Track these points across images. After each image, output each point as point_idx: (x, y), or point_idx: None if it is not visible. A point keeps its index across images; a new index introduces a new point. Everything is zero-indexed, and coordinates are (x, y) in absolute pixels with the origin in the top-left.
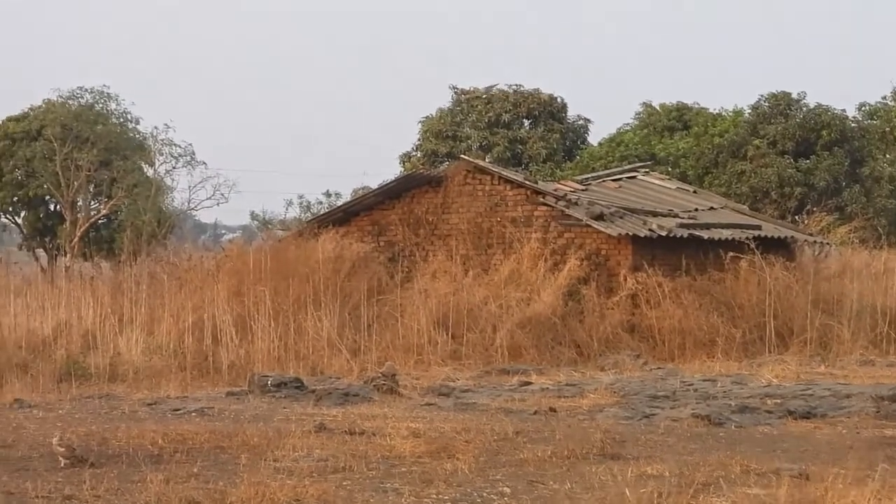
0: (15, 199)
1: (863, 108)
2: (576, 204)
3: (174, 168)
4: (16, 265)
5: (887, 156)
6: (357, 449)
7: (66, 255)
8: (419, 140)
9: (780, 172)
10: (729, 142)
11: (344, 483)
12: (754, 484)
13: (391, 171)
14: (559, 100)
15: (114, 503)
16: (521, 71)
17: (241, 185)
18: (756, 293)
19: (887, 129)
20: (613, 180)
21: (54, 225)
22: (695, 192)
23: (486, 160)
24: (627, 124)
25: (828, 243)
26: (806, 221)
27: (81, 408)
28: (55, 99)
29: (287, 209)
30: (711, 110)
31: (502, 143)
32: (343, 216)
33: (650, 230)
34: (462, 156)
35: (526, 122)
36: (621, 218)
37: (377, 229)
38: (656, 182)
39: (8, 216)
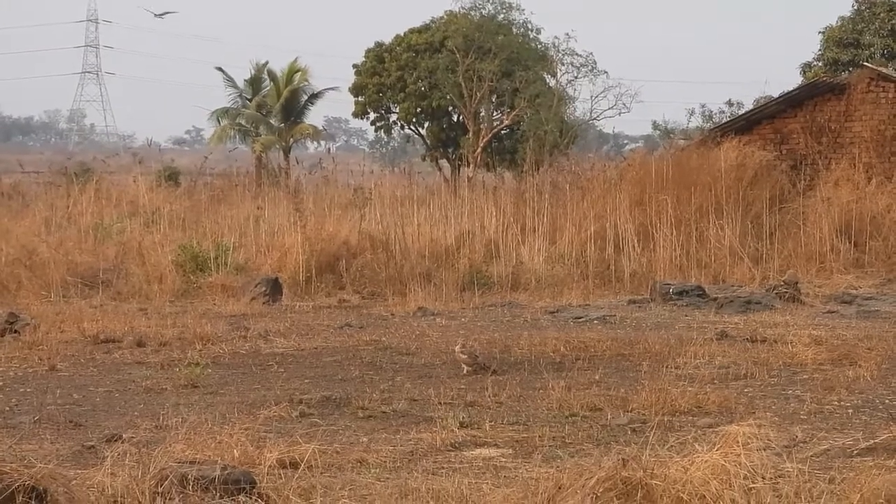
0: (418, 110)
1: None
2: None
3: (576, 78)
4: (418, 175)
5: None
6: (758, 356)
7: (468, 166)
8: (820, 49)
9: None
10: None
11: (745, 390)
12: None
13: (791, 80)
14: None
15: (515, 409)
16: None
17: (643, 95)
18: None
19: None
20: None
21: (457, 136)
22: None
23: (890, 68)
24: None
25: None
26: None
27: (484, 316)
28: (457, 10)
29: (689, 118)
30: None
31: None
32: (745, 125)
33: None
34: (865, 63)
35: None
36: None
37: (779, 137)
38: None
39: (412, 127)
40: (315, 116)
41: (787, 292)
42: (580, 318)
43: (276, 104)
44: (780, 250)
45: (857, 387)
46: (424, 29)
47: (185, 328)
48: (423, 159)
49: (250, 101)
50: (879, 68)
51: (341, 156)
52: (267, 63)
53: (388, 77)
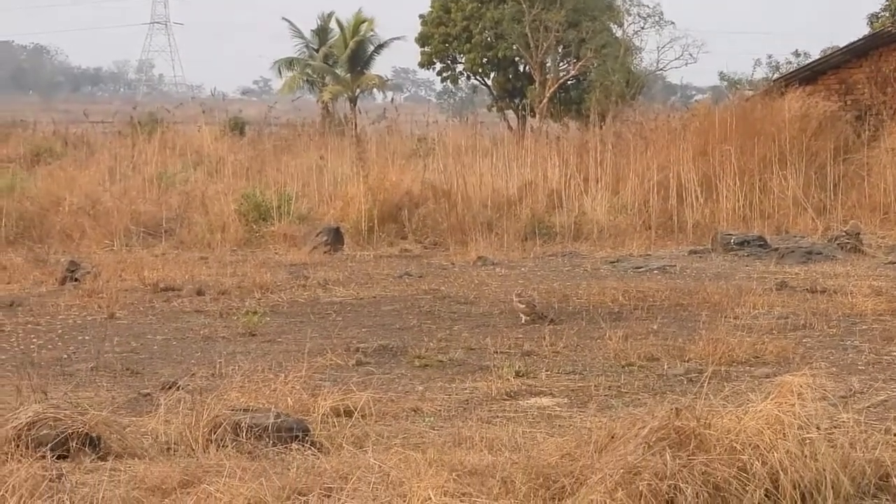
0: (484, 60)
1: None
2: None
3: (642, 28)
4: (482, 125)
5: None
6: (818, 307)
7: (534, 116)
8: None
9: None
10: None
11: (803, 340)
12: None
13: (858, 31)
14: None
15: (572, 359)
16: None
17: (710, 46)
18: None
19: None
20: None
21: (523, 86)
22: None
23: None
24: None
25: None
26: None
27: (544, 266)
28: None
29: (754, 69)
30: None
31: None
32: (810, 75)
33: None
34: None
35: None
36: None
37: (844, 88)
38: None
39: (478, 77)
40: (383, 66)
41: (848, 243)
42: (640, 268)
43: (342, 54)
44: (844, 201)
45: None
46: None
47: (245, 277)
48: (489, 109)
49: (317, 51)
50: None
51: (409, 106)
52: (333, 13)
53: (453, 27)
